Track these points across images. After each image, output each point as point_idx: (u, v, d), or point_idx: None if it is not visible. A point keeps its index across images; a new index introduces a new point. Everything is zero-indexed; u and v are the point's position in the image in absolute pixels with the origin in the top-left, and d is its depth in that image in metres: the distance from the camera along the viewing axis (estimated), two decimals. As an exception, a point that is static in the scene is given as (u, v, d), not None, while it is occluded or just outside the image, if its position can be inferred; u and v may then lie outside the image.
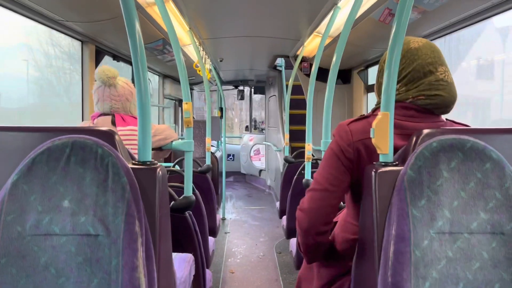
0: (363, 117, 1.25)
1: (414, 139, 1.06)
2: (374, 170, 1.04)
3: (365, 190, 1.09)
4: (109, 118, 1.87)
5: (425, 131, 1.05)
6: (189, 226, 1.84)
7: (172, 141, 1.99)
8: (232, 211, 5.81)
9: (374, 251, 1.01)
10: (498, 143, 1.03)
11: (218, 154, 5.31)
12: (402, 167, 1.01)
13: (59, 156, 1.01)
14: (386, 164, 1.05)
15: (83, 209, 0.99)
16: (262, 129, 8.06)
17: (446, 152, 0.97)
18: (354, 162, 1.20)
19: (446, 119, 1.23)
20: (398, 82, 1.19)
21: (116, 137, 1.12)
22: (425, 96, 1.14)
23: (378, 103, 1.27)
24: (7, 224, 0.97)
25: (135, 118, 1.93)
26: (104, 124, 1.84)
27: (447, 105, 1.16)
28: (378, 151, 1.07)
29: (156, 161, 1.14)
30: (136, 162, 1.12)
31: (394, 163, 1.06)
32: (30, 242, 0.97)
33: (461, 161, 0.97)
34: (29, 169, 1.00)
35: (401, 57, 1.18)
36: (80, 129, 1.11)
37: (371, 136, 1.07)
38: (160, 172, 1.10)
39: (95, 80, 1.91)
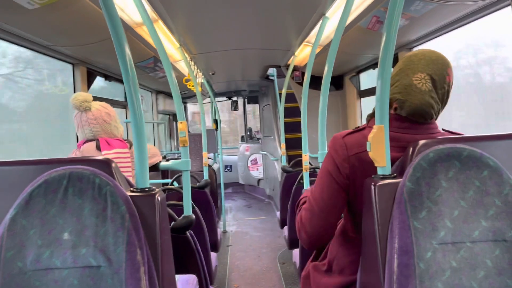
0: (358, 130, 1.25)
1: (411, 150, 1.06)
2: (373, 183, 1.04)
3: (365, 203, 1.09)
4: (93, 143, 1.86)
5: (421, 142, 1.05)
6: (191, 245, 1.83)
7: (159, 160, 1.99)
8: (233, 223, 5.79)
9: (378, 265, 1.01)
10: (494, 150, 1.03)
11: (215, 167, 5.30)
12: (400, 179, 1.01)
13: (56, 188, 1.00)
14: (385, 177, 1.05)
15: (83, 241, 0.98)
16: (258, 139, 8.07)
17: (443, 161, 0.98)
18: (350, 177, 1.20)
19: (443, 129, 1.24)
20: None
21: (113, 165, 1.11)
22: (398, 104, 1.17)
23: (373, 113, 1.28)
24: (7, 260, 0.96)
25: (121, 140, 1.92)
26: (89, 151, 1.83)
27: (421, 114, 1.17)
28: (376, 164, 1.07)
29: (154, 187, 1.14)
30: (134, 190, 1.11)
31: (393, 176, 1.06)
32: (32, 278, 0.96)
33: (458, 170, 0.97)
34: (27, 203, 0.99)
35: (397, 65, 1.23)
36: (76, 160, 1.10)
37: (368, 149, 1.08)
38: (159, 198, 1.10)
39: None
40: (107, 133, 1.91)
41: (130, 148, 1.91)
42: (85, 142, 1.88)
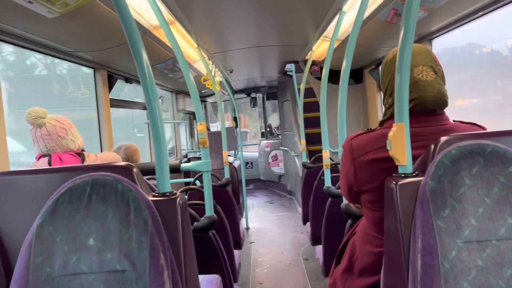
0: (370, 131, 1.26)
1: (432, 147, 1.04)
2: (394, 182, 1.03)
3: (386, 203, 1.08)
4: (46, 159, 1.84)
5: (443, 138, 1.03)
6: (213, 245, 1.84)
7: None
8: (255, 220, 5.81)
9: (402, 265, 1.00)
10: None
11: (236, 164, 5.33)
12: (422, 178, 0.99)
13: (81, 195, 1.02)
14: (406, 176, 1.03)
15: (108, 246, 1.00)
16: (278, 135, 8.06)
17: (467, 158, 0.96)
18: (357, 178, 1.27)
19: (454, 120, 1.22)
20: (385, 94, 1.22)
21: (135, 170, 1.13)
22: (411, 102, 1.14)
23: (387, 114, 1.27)
24: (36, 266, 0.99)
25: (74, 155, 1.91)
26: (43, 167, 1.81)
27: (437, 103, 1.16)
28: (397, 163, 1.06)
29: (175, 191, 1.15)
30: (156, 194, 1.13)
31: (414, 174, 1.04)
32: (60, 283, 0.99)
33: (482, 167, 0.95)
34: (53, 210, 1.02)
35: (383, 68, 1.23)
36: (99, 167, 1.13)
37: (388, 148, 1.06)
38: (180, 202, 1.11)
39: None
40: (62, 147, 1.88)
41: (83, 162, 1.89)
42: (41, 157, 1.88)
